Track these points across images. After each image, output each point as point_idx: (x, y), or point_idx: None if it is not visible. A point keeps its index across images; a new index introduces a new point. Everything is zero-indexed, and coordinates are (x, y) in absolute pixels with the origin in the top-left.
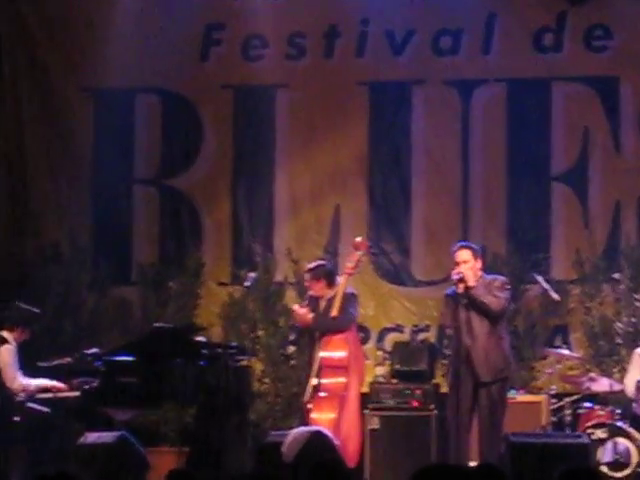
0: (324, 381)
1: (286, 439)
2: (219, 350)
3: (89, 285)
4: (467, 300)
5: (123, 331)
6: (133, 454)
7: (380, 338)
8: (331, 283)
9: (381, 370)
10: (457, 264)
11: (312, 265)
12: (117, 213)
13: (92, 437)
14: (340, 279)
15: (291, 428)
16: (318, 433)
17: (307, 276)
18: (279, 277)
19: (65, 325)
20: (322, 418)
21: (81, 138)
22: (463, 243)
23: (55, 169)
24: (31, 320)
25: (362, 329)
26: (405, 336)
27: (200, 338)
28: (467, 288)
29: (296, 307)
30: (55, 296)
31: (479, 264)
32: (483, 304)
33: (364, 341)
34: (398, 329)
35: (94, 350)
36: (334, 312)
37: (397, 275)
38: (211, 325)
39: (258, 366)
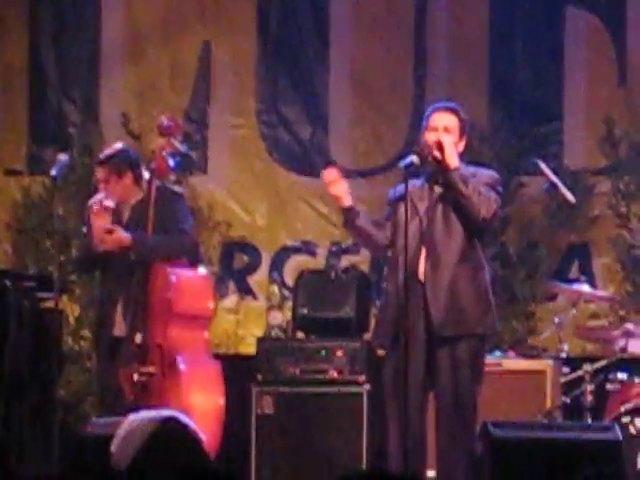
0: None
1: (117, 432)
2: (6, 283)
3: None
4: (438, 193)
5: None
6: None
7: (276, 264)
8: (139, 178)
9: (277, 318)
10: (433, 130)
11: (108, 152)
12: None
13: None
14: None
15: (125, 413)
16: (171, 421)
17: (100, 171)
18: None
19: None
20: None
21: None
22: (449, 104)
23: None
24: None
25: (244, 247)
26: (318, 261)
27: None
28: (446, 168)
29: (99, 219)
30: None
31: (462, 146)
32: (468, 200)
33: (249, 267)
34: (306, 249)
35: None
36: (149, 228)
37: (305, 159)
38: None
39: (73, 309)
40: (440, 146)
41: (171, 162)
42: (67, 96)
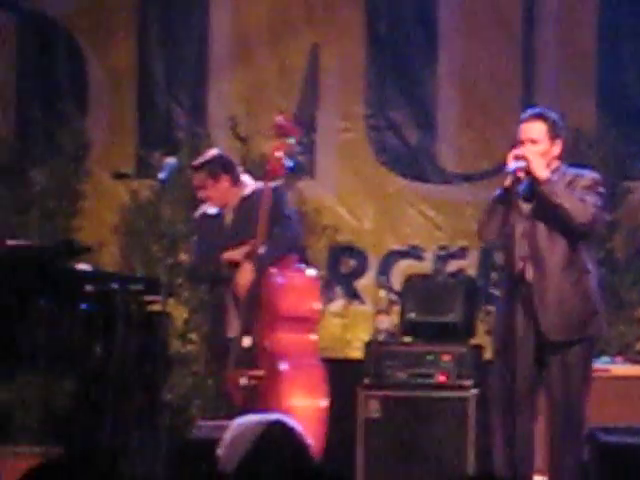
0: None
1: (224, 435)
2: (114, 286)
3: None
4: (534, 204)
5: None
6: None
7: (383, 268)
8: (236, 180)
9: (384, 322)
10: (520, 143)
11: (202, 159)
12: None
13: None
14: (257, 183)
15: (232, 416)
16: (277, 424)
17: (197, 178)
18: None
19: None
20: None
21: None
22: (535, 110)
23: None
24: None
25: (351, 252)
26: (425, 265)
27: (82, 266)
28: (535, 182)
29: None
30: None
31: (557, 148)
32: (562, 210)
33: (357, 272)
34: (413, 254)
35: None
36: (261, 229)
37: (413, 164)
38: (102, 244)
39: (180, 313)
40: (523, 170)
41: (287, 163)
42: (175, 99)
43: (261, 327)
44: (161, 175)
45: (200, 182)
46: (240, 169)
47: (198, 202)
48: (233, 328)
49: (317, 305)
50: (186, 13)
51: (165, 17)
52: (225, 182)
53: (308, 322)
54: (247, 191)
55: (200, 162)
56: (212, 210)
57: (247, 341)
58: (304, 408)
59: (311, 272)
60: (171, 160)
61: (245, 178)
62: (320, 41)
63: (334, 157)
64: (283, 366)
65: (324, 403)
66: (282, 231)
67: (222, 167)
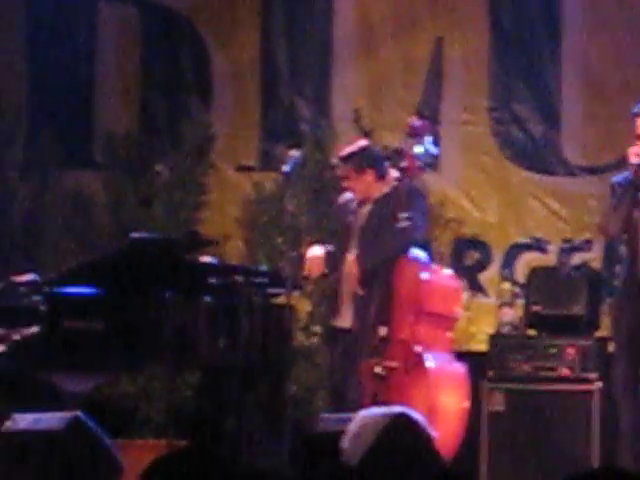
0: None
1: (349, 428)
2: (238, 279)
3: (21, 169)
4: None
5: (79, 245)
6: (94, 450)
7: (506, 261)
8: (381, 175)
9: (508, 315)
10: (637, 138)
11: (349, 150)
12: (71, 50)
13: (26, 421)
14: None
15: (355, 409)
16: (402, 417)
17: (342, 169)
18: None
19: None
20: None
21: None
22: None
23: None
24: None
25: (475, 245)
26: (549, 258)
27: (207, 258)
28: None
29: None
30: None
31: None
32: None
33: (480, 264)
34: (538, 246)
35: (30, 276)
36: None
37: (538, 156)
38: (226, 237)
39: (304, 306)
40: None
41: (420, 162)
42: (299, 92)
43: (399, 319)
44: (285, 168)
45: (345, 173)
46: (387, 164)
47: (319, 194)
48: (344, 318)
49: (458, 306)
50: (310, 5)
51: (289, 9)
52: (369, 176)
53: (449, 320)
54: (387, 189)
55: (347, 153)
56: (353, 200)
57: (383, 331)
58: (445, 405)
59: (449, 271)
60: (295, 153)
61: (392, 173)
62: (444, 34)
63: (458, 150)
64: (426, 361)
65: (465, 403)
66: (404, 229)
67: (368, 160)
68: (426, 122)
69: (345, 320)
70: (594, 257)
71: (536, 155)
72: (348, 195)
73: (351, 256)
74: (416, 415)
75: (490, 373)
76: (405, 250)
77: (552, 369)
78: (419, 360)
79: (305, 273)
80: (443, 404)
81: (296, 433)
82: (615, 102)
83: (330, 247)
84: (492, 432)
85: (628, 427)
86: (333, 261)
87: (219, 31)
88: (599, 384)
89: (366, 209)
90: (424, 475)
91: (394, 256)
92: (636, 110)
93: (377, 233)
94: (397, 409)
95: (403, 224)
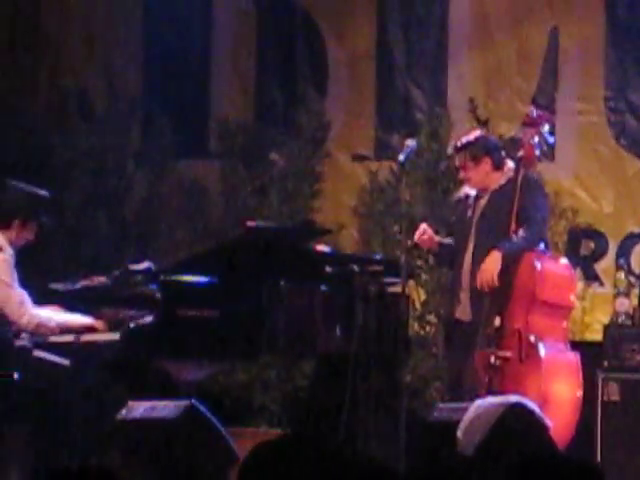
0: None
1: (464, 417)
2: (353, 268)
3: (137, 158)
4: None
5: (194, 234)
6: (209, 438)
7: (622, 251)
8: (498, 164)
9: (624, 305)
10: None
11: (465, 139)
12: (187, 40)
13: (140, 409)
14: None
15: (471, 399)
16: (517, 407)
17: (457, 158)
18: None
19: (98, 222)
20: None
21: None
22: None
23: None
24: (36, 209)
25: (591, 234)
26: None
27: (321, 247)
28: None
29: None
30: (81, 174)
31: None
32: None
33: (596, 254)
34: None
35: (145, 265)
36: (511, 218)
37: None
38: (340, 225)
39: (419, 294)
40: None
41: (537, 152)
42: (414, 81)
43: (514, 309)
44: (400, 157)
45: (461, 163)
46: (503, 154)
47: (435, 184)
48: (462, 311)
49: (572, 294)
50: None
51: (406, 0)
52: (486, 165)
53: (563, 309)
54: (503, 180)
55: (462, 143)
56: (472, 192)
57: (497, 321)
58: (558, 394)
59: (565, 260)
60: (411, 142)
61: (509, 164)
62: (560, 24)
63: (573, 139)
64: (540, 350)
65: (579, 392)
66: (530, 225)
67: (484, 150)
68: (544, 111)
69: (464, 312)
70: None
71: None
72: (465, 190)
73: (469, 249)
74: (531, 405)
75: (605, 363)
76: (539, 243)
77: None
78: (533, 349)
79: (415, 239)
80: (557, 393)
81: (412, 422)
82: None
83: (448, 240)
84: (606, 422)
85: None
86: (449, 254)
87: (335, 20)
88: None
89: (483, 201)
90: (540, 465)
91: (529, 250)
92: None
93: (495, 225)
94: (513, 398)
95: (537, 216)
